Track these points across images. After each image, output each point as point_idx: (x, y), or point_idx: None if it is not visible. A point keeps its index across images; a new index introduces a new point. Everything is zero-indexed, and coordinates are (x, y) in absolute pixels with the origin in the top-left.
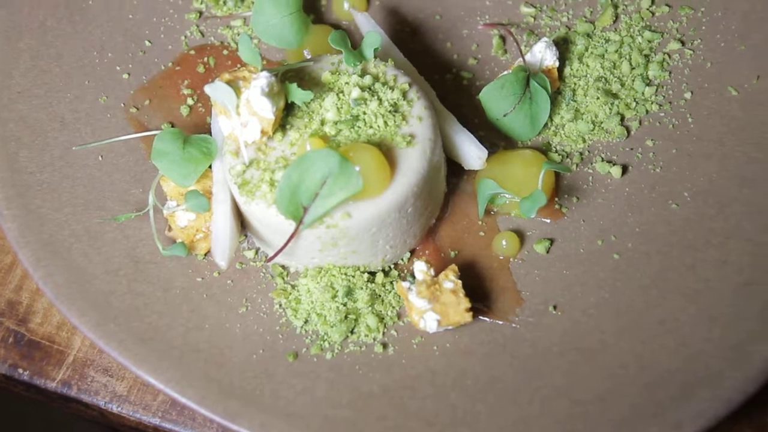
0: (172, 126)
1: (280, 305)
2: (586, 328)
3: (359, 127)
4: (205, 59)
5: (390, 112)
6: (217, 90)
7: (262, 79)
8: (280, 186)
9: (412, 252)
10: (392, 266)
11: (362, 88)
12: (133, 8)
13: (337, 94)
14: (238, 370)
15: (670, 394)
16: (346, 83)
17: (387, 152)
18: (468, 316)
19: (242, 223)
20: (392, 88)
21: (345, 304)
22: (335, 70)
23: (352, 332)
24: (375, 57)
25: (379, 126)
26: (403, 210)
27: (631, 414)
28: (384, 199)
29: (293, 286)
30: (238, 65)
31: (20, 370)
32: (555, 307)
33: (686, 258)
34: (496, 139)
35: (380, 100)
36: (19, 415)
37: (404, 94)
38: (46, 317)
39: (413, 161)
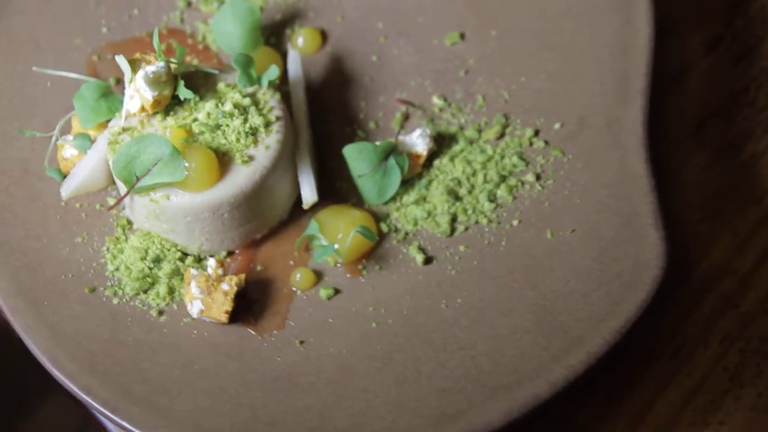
0: (118, 82)
1: (108, 249)
2: (307, 369)
3: (217, 135)
4: (171, 41)
5: (247, 133)
6: (121, 62)
7: (153, 67)
8: (119, 152)
9: (231, 253)
10: (210, 257)
11: (235, 106)
12: None
13: (217, 103)
14: (42, 281)
15: None
16: (230, 97)
17: (225, 162)
18: (224, 317)
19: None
20: (261, 115)
21: (151, 268)
22: (233, 84)
23: (145, 292)
24: (270, 87)
25: (231, 140)
26: (217, 213)
27: None
28: (200, 196)
29: (126, 239)
30: (192, 55)
31: None
32: (301, 343)
33: (420, 351)
34: (351, 194)
35: (245, 120)
36: None
37: (267, 124)
38: None
39: (240, 178)
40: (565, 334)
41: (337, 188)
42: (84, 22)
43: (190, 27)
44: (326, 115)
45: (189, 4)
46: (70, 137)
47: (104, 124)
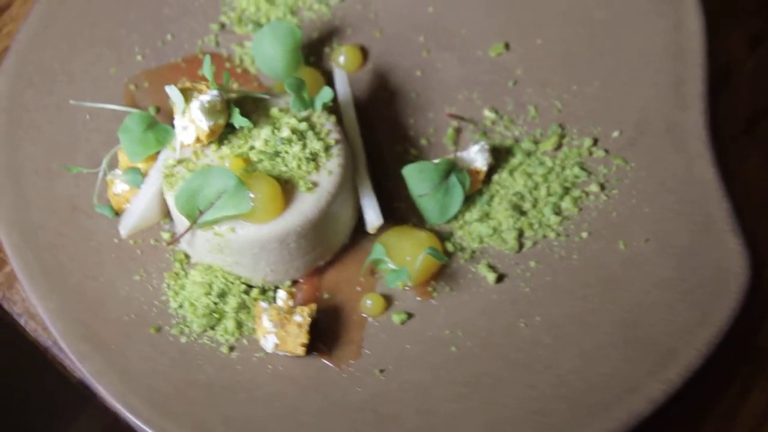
0: (158, 110)
1: (168, 285)
2: (391, 399)
3: (277, 162)
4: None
5: (307, 158)
6: (172, 92)
7: (207, 96)
8: (182, 186)
9: (295, 282)
10: (274, 288)
11: (293, 131)
12: (169, 4)
13: (273, 130)
14: (105, 323)
15: None
16: (286, 123)
17: (289, 190)
18: (301, 350)
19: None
20: (319, 140)
21: (216, 303)
22: (286, 108)
23: (212, 328)
24: (323, 109)
25: (292, 167)
26: (284, 243)
27: None
28: (266, 227)
29: (186, 274)
30: (231, 79)
31: None
32: (381, 371)
33: (505, 373)
34: (410, 215)
35: (304, 146)
36: None
37: (327, 148)
38: None
39: (306, 205)
40: (655, 348)
41: (396, 209)
42: (118, 51)
43: (226, 50)
44: (375, 134)
45: (223, 26)
46: (119, 172)
47: (153, 156)
